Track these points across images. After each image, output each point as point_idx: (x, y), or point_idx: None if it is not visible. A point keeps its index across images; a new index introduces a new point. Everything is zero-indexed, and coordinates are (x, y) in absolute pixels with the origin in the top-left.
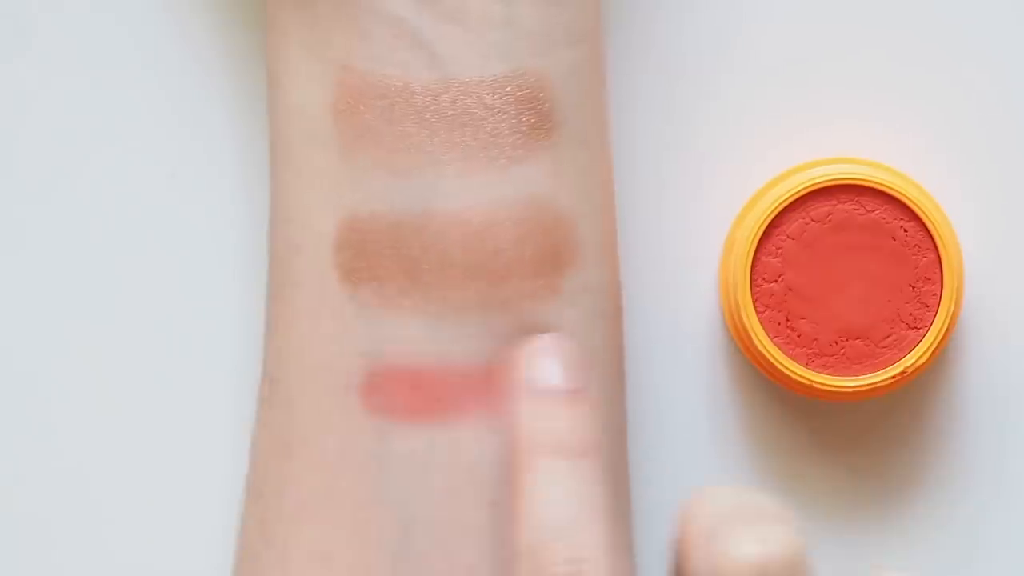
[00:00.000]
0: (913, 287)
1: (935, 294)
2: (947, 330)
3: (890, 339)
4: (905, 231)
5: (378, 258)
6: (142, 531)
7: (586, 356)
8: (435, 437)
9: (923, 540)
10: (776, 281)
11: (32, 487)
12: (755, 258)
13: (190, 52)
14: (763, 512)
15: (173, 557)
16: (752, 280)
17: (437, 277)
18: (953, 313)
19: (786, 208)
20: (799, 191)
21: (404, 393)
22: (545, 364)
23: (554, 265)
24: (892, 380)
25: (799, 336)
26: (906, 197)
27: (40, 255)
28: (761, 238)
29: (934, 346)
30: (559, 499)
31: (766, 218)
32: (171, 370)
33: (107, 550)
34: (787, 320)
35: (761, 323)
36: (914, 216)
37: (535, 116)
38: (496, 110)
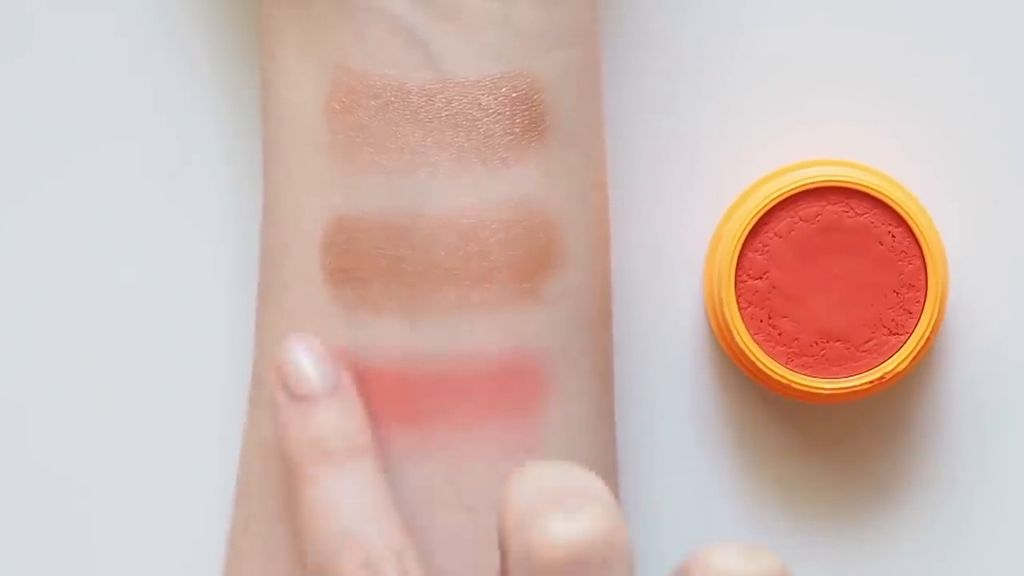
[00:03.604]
0: (897, 293)
1: (918, 301)
2: (928, 338)
3: (871, 343)
4: (892, 236)
5: (363, 259)
6: (134, 531)
7: (563, 359)
8: (414, 440)
9: (905, 541)
10: (761, 278)
11: (23, 487)
12: (741, 254)
13: (184, 52)
14: (577, 490)
15: (165, 557)
16: (737, 276)
17: (420, 279)
18: (936, 321)
19: (775, 206)
20: (790, 190)
21: (385, 396)
22: (296, 369)
23: (537, 268)
24: (870, 385)
25: (780, 334)
26: (895, 203)
27: (33, 255)
28: (749, 234)
29: (914, 353)
30: (340, 504)
31: (755, 214)
32: (163, 371)
33: (99, 550)
34: (769, 318)
35: (743, 319)
36: (902, 222)
37: (529, 118)
38: (491, 111)
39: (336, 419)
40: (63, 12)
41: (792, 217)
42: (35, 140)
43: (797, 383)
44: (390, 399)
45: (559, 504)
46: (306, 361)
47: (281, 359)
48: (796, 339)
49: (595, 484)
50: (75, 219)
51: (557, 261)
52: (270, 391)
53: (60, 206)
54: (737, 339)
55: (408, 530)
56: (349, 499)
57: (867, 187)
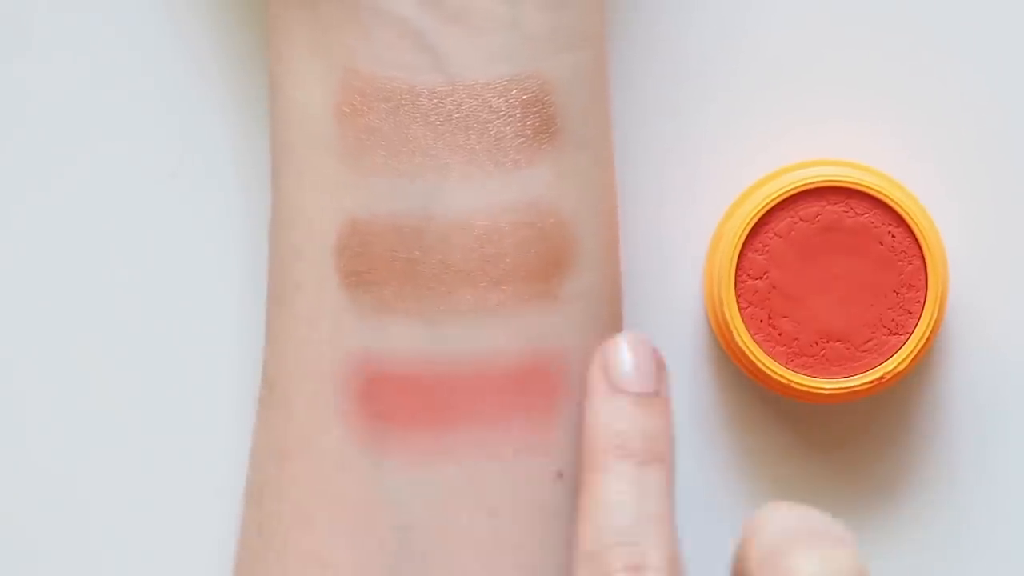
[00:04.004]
0: (897, 293)
1: (918, 301)
2: (928, 338)
3: (871, 344)
4: (892, 236)
5: (377, 261)
6: (144, 533)
7: (579, 359)
8: (432, 443)
9: (905, 541)
10: (761, 278)
11: (31, 489)
12: (741, 254)
13: (191, 53)
14: (826, 532)
15: (174, 559)
16: (737, 276)
17: (435, 281)
18: (935, 321)
19: (776, 206)
20: (790, 190)
21: (402, 398)
22: (627, 362)
23: (553, 270)
24: (870, 385)
25: (780, 334)
26: (895, 203)
27: (40, 256)
28: (749, 234)
29: (914, 353)
30: (626, 503)
31: (755, 214)
32: (172, 373)
33: (109, 551)
34: (769, 318)
35: (743, 319)
36: (902, 222)
37: (539, 120)
38: (501, 113)
39: (650, 421)
40: (63, 12)
41: (792, 217)
42: (35, 140)
43: (797, 383)
44: (408, 401)
45: (809, 543)
46: (639, 358)
47: (614, 350)
48: (796, 339)
49: (841, 527)
50: (85, 221)
51: (572, 262)
52: (284, 397)
53: (61, 206)
54: (737, 339)
55: (679, 550)
56: (639, 500)
57: (867, 187)
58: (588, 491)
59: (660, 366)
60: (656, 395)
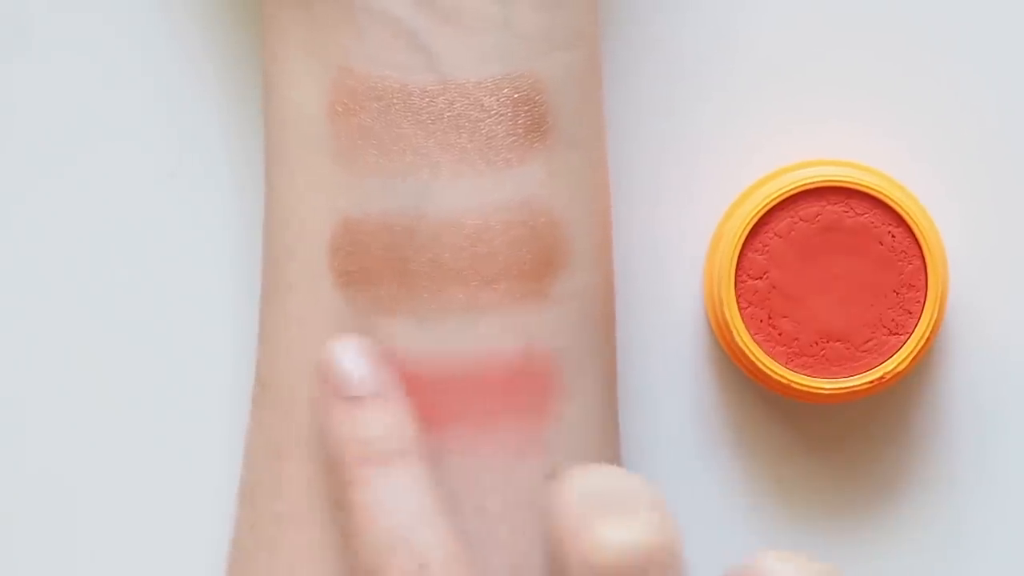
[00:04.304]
0: (897, 293)
1: (918, 301)
2: (928, 338)
3: (871, 343)
4: (892, 236)
5: (370, 260)
6: (137, 531)
7: (572, 359)
8: (426, 441)
9: (905, 541)
10: (761, 278)
11: (25, 487)
12: (741, 254)
13: (186, 53)
14: (629, 496)
15: (168, 557)
16: (737, 276)
17: (427, 280)
18: (936, 321)
19: (775, 206)
20: (790, 190)
21: None
22: (348, 370)
23: (545, 269)
24: (870, 385)
25: (780, 334)
26: (895, 203)
27: (38, 256)
28: (749, 234)
29: (914, 353)
30: (386, 509)
31: (755, 214)
32: (165, 372)
33: (102, 551)
34: (769, 318)
35: (743, 319)
36: (902, 222)
37: (531, 119)
38: (493, 112)
39: (387, 421)
40: (63, 12)
41: (792, 217)
42: (35, 140)
43: (797, 383)
44: None
45: (614, 509)
46: (358, 361)
47: (331, 358)
48: (796, 339)
49: (647, 488)
50: (78, 220)
51: (564, 261)
52: (277, 397)
53: (60, 206)
54: (737, 339)
55: (459, 533)
56: (400, 501)
57: (867, 187)
58: (347, 508)
59: (383, 360)
60: (387, 390)
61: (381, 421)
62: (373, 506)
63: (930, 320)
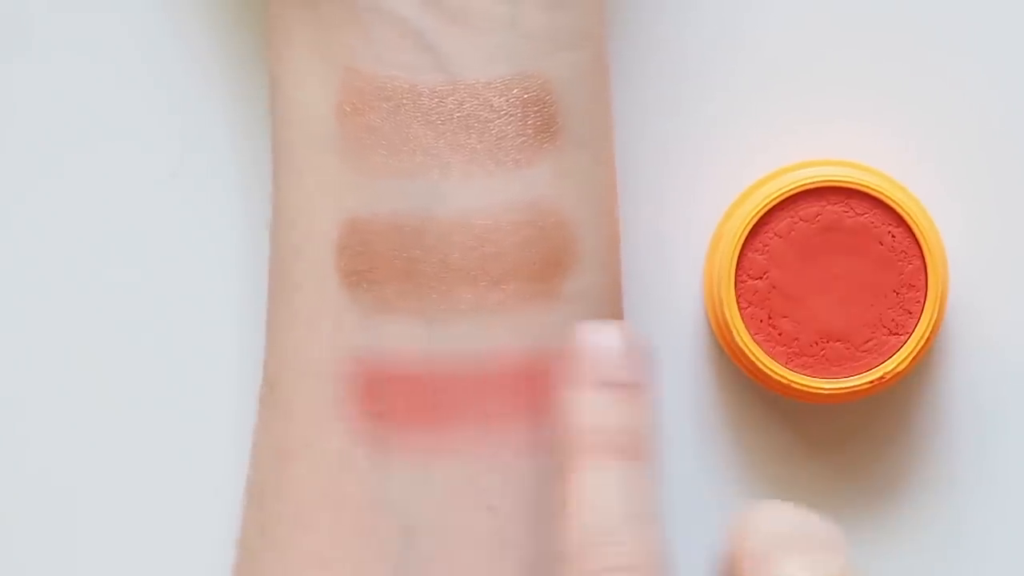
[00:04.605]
0: (897, 293)
1: (919, 301)
2: (928, 338)
3: (871, 344)
4: (892, 236)
5: (378, 260)
6: (143, 532)
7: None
8: (433, 442)
9: (905, 541)
10: (761, 278)
11: (30, 488)
12: (741, 254)
13: (192, 53)
14: (818, 538)
15: (174, 559)
16: (737, 276)
17: (436, 280)
18: (936, 321)
19: (776, 206)
20: (790, 190)
21: (402, 398)
22: (608, 354)
23: (554, 269)
24: (870, 385)
25: (780, 335)
26: (895, 203)
27: (40, 256)
28: (749, 234)
29: (914, 353)
30: (610, 502)
31: (755, 214)
32: (172, 373)
33: (108, 551)
34: (769, 318)
35: (743, 319)
36: (902, 222)
37: (540, 119)
38: (502, 112)
39: (635, 416)
40: (63, 12)
41: (792, 217)
42: (35, 140)
43: (797, 383)
44: (408, 400)
45: (801, 549)
46: (626, 349)
47: (598, 341)
48: (796, 339)
49: (832, 529)
50: (85, 221)
51: (572, 261)
52: (284, 396)
53: (61, 206)
54: (737, 339)
55: (664, 542)
56: (623, 498)
57: (867, 187)
58: (572, 488)
59: (646, 357)
60: (640, 387)
61: (627, 413)
62: (593, 494)
63: (930, 320)
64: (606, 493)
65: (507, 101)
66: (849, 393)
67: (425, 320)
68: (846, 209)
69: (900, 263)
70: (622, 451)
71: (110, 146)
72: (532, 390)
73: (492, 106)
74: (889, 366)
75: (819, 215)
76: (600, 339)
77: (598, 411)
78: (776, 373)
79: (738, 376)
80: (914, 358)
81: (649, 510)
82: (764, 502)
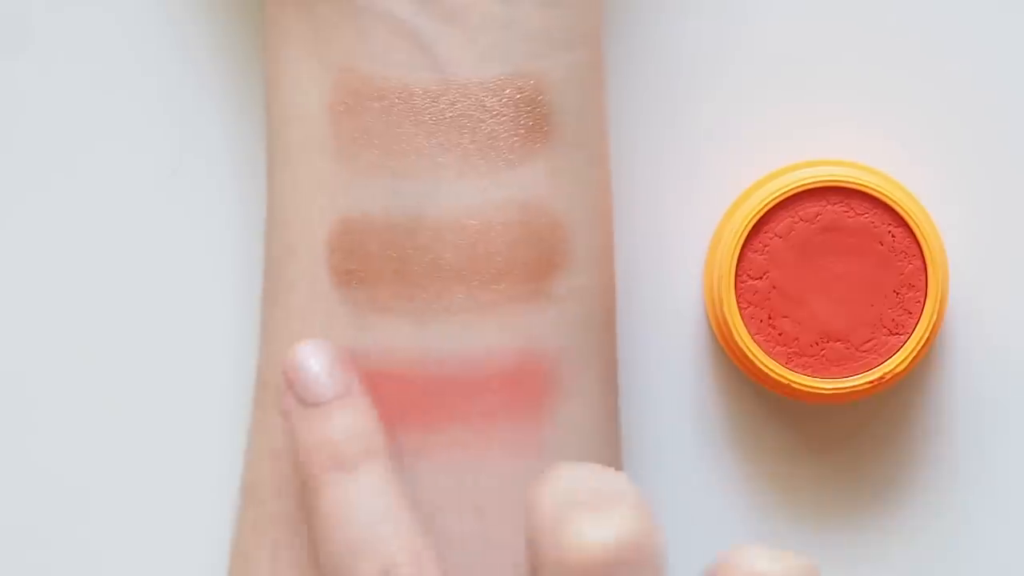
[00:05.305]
0: (897, 293)
1: (919, 301)
2: (928, 338)
3: (871, 344)
4: (893, 236)
5: (370, 260)
6: (138, 532)
7: (572, 360)
8: (423, 442)
9: (905, 541)
10: (761, 278)
11: (28, 489)
12: (741, 254)
13: (189, 53)
14: (608, 492)
15: (169, 558)
16: (737, 276)
17: (427, 280)
18: (936, 321)
19: (776, 206)
20: (789, 190)
21: (393, 397)
22: (305, 376)
23: (547, 269)
24: (870, 385)
25: (780, 335)
26: (895, 203)
27: (39, 255)
28: (749, 234)
29: (914, 353)
30: (354, 512)
31: (755, 214)
32: (167, 372)
33: (103, 551)
34: (769, 318)
35: (743, 319)
36: (902, 222)
37: (533, 119)
38: (495, 112)
39: (348, 424)
40: (63, 12)
41: (792, 217)
42: (35, 140)
43: (797, 383)
44: (398, 400)
45: (591, 506)
46: (316, 366)
47: (290, 364)
48: (796, 339)
49: (625, 486)
50: (80, 220)
51: (565, 261)
52: (278, 396)
53: (60, 205)
54: (737, 339)
55: (426, 532)
56: (364, 504)
57: (867, 187)
58: (315, 510)
59: (343, 362)
60: (347, 393)
61: (342, 424)
62: (337, 512)
63: (930, 320)
64: (348, 505)
65: (499, 101)
66: (849, 393)
67: (417, 320)
68: (846, 209)
69: (900, 263)
70: (351, 459)
71: (107, 146)
72: (523, 390)
73: (484, 106)
74: (889, 366)
75: (819, 215)
76: (295, 362)
77: (317, 430)
78: (776, 373)
79: (738, 376)
80: (914, 358)
81: (393, 506)
82: (559, 467)
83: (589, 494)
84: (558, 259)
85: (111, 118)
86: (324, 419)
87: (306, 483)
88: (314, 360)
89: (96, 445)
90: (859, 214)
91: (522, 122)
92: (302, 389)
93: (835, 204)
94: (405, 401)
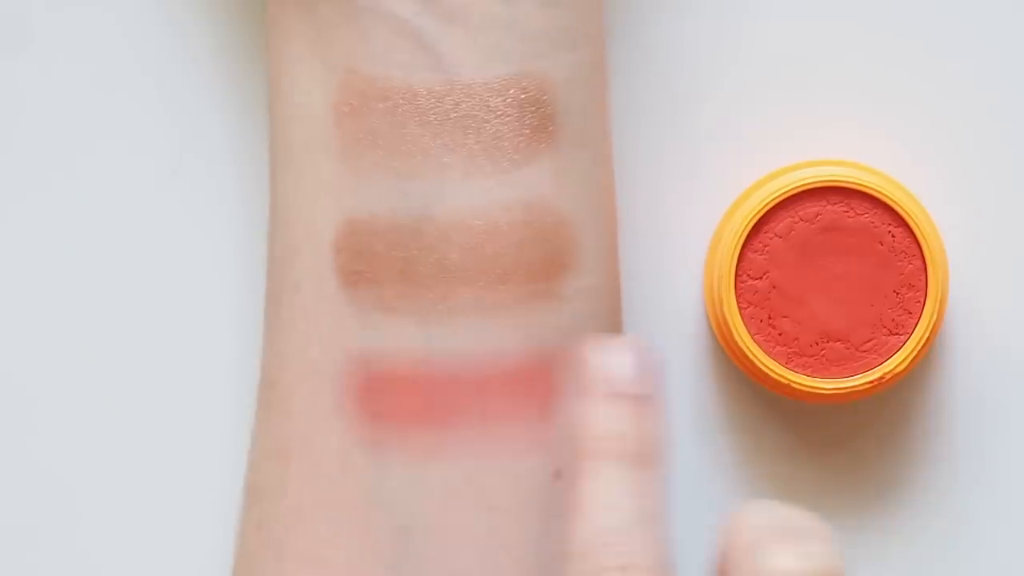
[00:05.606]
0: (897, 293)
1: (919, 301)
2: (928, 338)
3: (871, 344)
4: (893, 236)
5: (376, 261)
6: (142, 532)
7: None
8: (432, 442)
9: (905, 541)
10: (761, 278)
11: (28, 489)
12: (741, 254)
13: (191, 54)
14: (804, 528)
15: (173, 558)
16: (737, 276)
17: (433, 280)
18: (936, 321)
19: (776, 206)
20: (789, 190)
21: (400, 398)
22: (621, 365)
23: (553, 269)
24: (870, 385)
25: (780, 335)
26: (895, 203)
27: (38, 256)
28: (749, 234)
29: (914, 353)
30: (619, 504)
31: (755, 214)
32: (171, 372)
33: (106, 552)
34: (769, 318)
35: (743, 319)
36: (902, 222)
37: (537, 119)
38: (499, 112)
39: (645, 424)
40: (63, 12)
41: (792, 217)
42: (35, 140)
43: (797, 383)
44: (407, 401)
45: (790, 538)
46: (638, 361)
47: (613, 352)
48: (796, 339)
49: (819, 522)
50: (84, 221)
51: (571, 261)
52: (282, 396)
53: (61, 205)
54: (737, 339)
55: (667, 551)
56: (632, 502)
57: (867, 187)
58: (582, 491)
59: (655, 368)
60: (651, 397)
61: (638, 424)
62: (601, 499)
63: (930, 320)
64: (618, 495)
65: (504, 101)
66: (849, 393)
67: (423, 320)
68: (846, 209)
69: (900, 263)
70: (633, 457)
71: (107, 146)
72: (531, 390)
73: (489, 106)
74: (889, 366)
75: (819, 215)
76: (612, 355)
77: (611, 419)
78: (776, 373)
79: (738, 376)
80: (914, 358)
81: (656, 513)
82: (755, 500)
83: (786, 527)
84: (564, 259)
85: (111, 118)
86: (624, 412)
87: (581, 464)
88: (639, 354)
89: (98, 446)
90: (859, 214)
91: (527, 122)
92: (621, 377)
93: (835, 204)
94: (413, 402)
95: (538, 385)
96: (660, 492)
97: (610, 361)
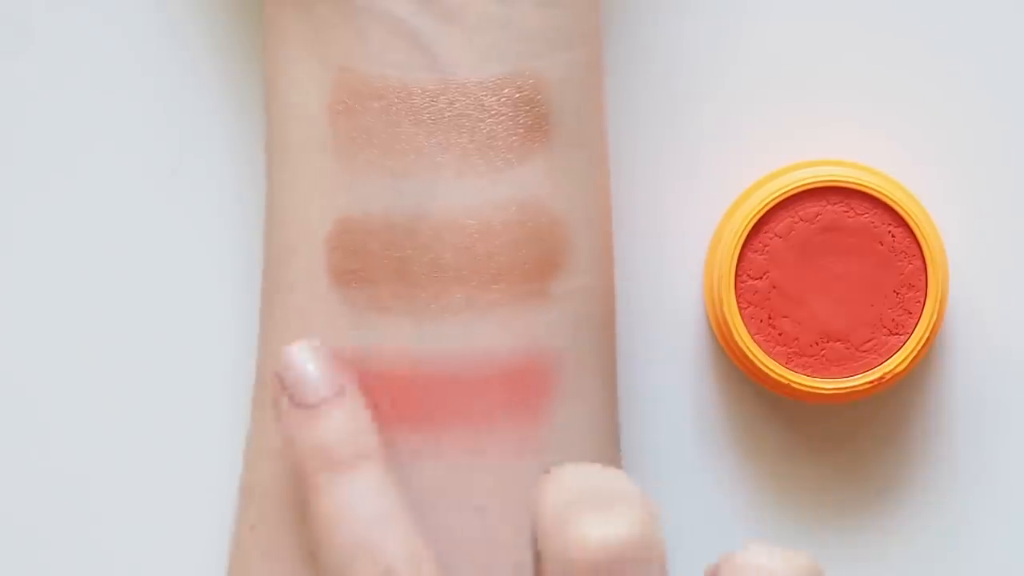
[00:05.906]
0: (897, 293)
1: (919, 301)
2: (928, 338)
3: (871, 344)
4: (893, 236)
5: (370, 259)
6: (138, 532)
7: (571, 359)
8: (422, 442)
9: (905, 541)
10: (761, 278)
11: (28, 488)
12: (741, 254)
13: (187, 54)
14: (611, 491)
15: (168, 557)
16: (737, 276)
17: (427, 280)
18: (936, 321)
19: (776, 206)
20: (789, 190)
21: (393, 397)
22: (298, 377)
23: (546, 269)
24: (870, 385)
25: (780, 335)
26: (895, 203)
27: (39, 255)
28: (749, 234)
29: (914, 353)
30: (348, 515)
31: (755, 214)
32: (166, 372)
33: (103, 550)
34: (769, 318)
35: (743, 319)
36: (902, 222)
37: (532, 118)
38: (493, 112)
39: (341, 425)
40: (63, 12)
41: (792, 217)
42: (35, 140)
43: (797, 383)
44: (398, 400)
45: (594, 505)
46: (309, 367)
47: (283, 366)
48: (796, 339)
49: (628, 485)
50: (80, 220)
51: (564, 261)
52: (273, 398)
53: (60, 205)
54: (737, 339)
55: (422, 532)
56: (360, 506)
57: (867, 187)
58: (312, 514)
59: (336, 363)
60: (340, 393)
61: (335, 425)
62: (333, 514)
63: (930, 320)
64: (342, 508)
65: (498, 100)
66: (849, 393)
67: (417, 320)
68: (846, 209)
69: (900, 263)
70: (345, 462)
71: (107, 146)
72: (523, 390)
73: (483, 105)
74: (889, 366)
75: (819, 215)
76: (287, 362)
77: (310, 433)
78: (776, 373)
79: (738, 376)
80: (914, 358)
81: (387, 508)
82: (564, 465)
83: (592, 493)
84: (558, 259)
85: (111, 118)
86: (317, 420)
87: (302, 485)
88: (306, 360)
89: (95, 445)
90: (859, 214)
91: (521, 121)
92: (295, 389)
93: (835, 204)
94: (406, 400)
95: (529, 385)
96: (386, 484)
97: (287, 376)
